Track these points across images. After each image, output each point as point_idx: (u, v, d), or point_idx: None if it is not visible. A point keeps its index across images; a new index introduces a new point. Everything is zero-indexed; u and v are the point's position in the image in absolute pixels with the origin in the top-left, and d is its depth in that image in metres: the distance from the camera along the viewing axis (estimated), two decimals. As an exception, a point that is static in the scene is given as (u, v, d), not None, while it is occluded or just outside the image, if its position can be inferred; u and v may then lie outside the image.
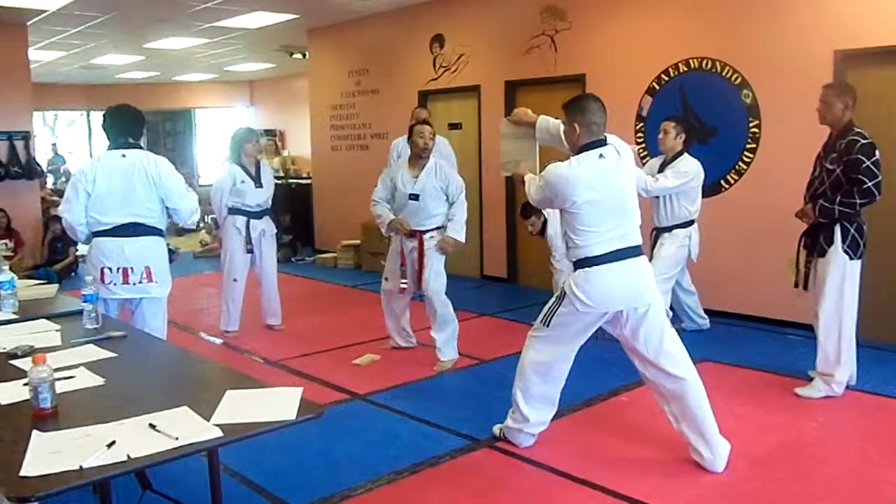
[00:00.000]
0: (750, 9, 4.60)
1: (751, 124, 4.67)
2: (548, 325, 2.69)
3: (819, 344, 3.35)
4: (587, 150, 2.55)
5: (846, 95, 3.25)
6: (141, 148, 3.18)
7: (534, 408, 2.80)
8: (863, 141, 3.14)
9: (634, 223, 2.61)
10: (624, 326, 2.62)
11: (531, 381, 2.77)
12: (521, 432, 2.86)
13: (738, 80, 4.69)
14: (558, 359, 2.73)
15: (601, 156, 2.55)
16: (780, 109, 4.49)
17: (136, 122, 3.18)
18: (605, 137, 2.59)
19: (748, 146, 4.70)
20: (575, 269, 2.60)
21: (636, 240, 2.61)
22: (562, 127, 2.75)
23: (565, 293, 2.61)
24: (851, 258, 3.23)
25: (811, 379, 3.44)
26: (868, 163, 3.11)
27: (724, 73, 4.75)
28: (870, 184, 3.11)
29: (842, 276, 3.24)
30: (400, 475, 2.67)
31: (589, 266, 2.55)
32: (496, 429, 2.98)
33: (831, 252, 3.25)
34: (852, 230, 3.22)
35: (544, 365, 2.74)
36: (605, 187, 2.52)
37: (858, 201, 3.14)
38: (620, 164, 2.58)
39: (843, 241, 3.23)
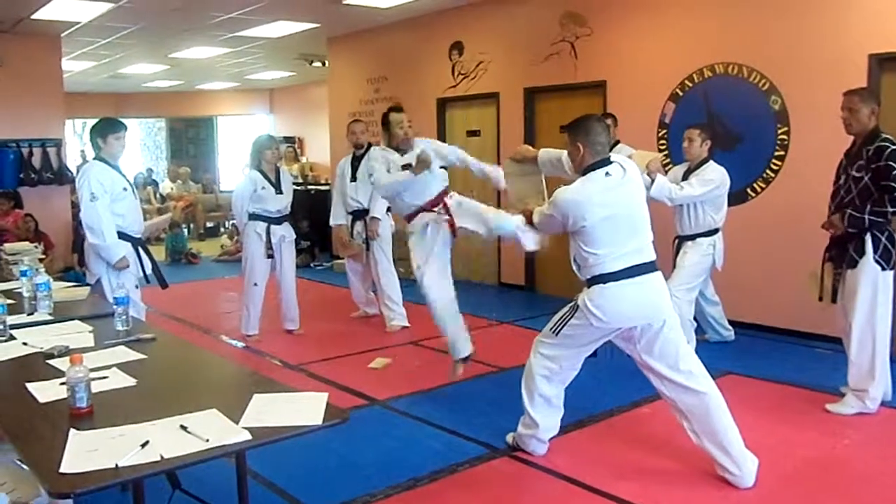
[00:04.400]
0: (778, 11, 4.52)
1: (779, 131, 4.60)
2: (557, 335, 2.71)
3: (851, 358, 3.27)
4: (592, 170, 2.57)
5: (871, 100, 3.19)
6: (98, 157, 3.64)
7: (540, 412, 2.82)
8: (892, 147, 3.07)
9: (647, 238, 2.61)
10: (638, 342, 2.62)
11: (537, 385, 2.79)
12: (533, 438, 2.87)
13: (766, 85, 4.63)
14: (565, 366, 2.76)
15: (607, 174, 2.55)
16: (810, 116, 4.40)
17: (90, 134, 3.70)
18: (609, 157, 2.62)
19: (776, 153, 4.63)
20: (589, 286, 2.60)
21: (650, 255, 2.60)
22: (563, 154, 2.79)
23: (576, 307, 2.63)
24: (884, 269, 3.15)
25: (842, 394, 3.36)
26: None
27: (750, 79, 4.70)
28: None
29: (874, 287, 3.17)
30: (419, 482, 2.68)
31: (604, 282, 2.55)
32: (509, 437, 2.99)
33: (863, 263, 3.17)
34: (883, 239, 3.14)
35: (551, 371, 2.77)
36: (615, 204, 2.53)
37: (890, 210, 3.06)
38: (627, 178, 2.58)
39: (875, 252, 3.15)
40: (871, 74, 4.12)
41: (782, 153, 4.62)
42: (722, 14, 4.83)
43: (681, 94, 5.08)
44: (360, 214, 5.06)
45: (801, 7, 4.45)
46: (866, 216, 3.10)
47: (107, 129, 3.61)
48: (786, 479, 2.67)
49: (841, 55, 4.25)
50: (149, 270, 3.73)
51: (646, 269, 2.57)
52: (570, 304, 2.69)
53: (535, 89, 6.06)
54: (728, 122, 4.82)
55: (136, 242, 3.66)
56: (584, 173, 2.59)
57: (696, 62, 4.96)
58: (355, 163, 5.08)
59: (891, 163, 3.04)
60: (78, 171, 13.79)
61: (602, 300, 2.55)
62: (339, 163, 5.27)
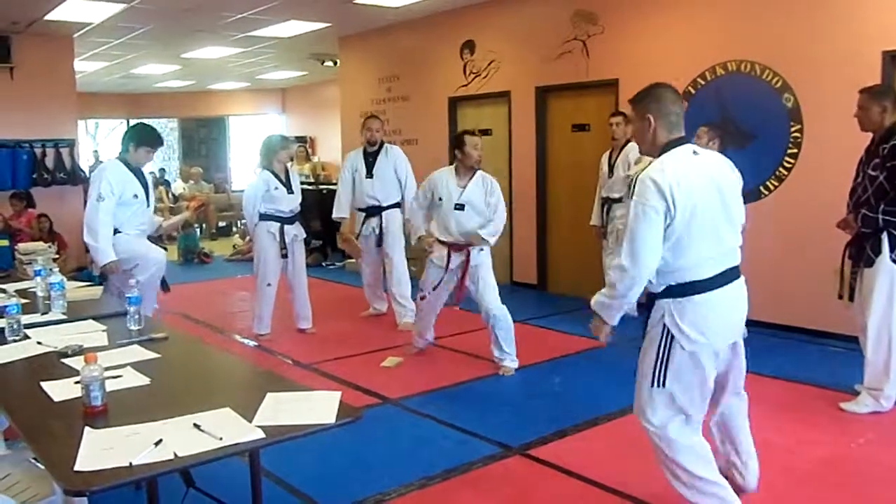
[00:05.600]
0: (791, 9, 4.48)
1: (792, 129, 4.56)
2: (664, 385, 2.08)
3: (867, 357, 3.24)
4: (672, 148, 2.08)
5: (884, 98, 3.15)
6: (120, 157, 3.68)
7: (710, 474, 2.16)
8: None
9: (738, 238, 2.16)
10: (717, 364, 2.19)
11: (685, 465, 2.13)
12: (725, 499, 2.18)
13: (779, 83, 4.58)
14: (697, 413, 2.13)
15: (695, 152, 2.08)
16: (824, 113, 4.36)
17: (125, 132, 3.76)
18: (686, 138, 2.15)
19: (789, 151, 4.58)
20: (666, 297, 2.07)
21: (738, 258, 2.17)
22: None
23: (668, 337, 2.06)
24: None
25: (856, 393, 3.33)
26: None
27: (763, 77, 4.66)
28: None
29: (890, 286, 3.12)
30: (432, 481, 2.67)
31: (692, 293, 2.04)
32: None
33: (879, 262, 3.13)
34: None
35: (689, 438, 2.13)
36: (708, 190, 2.02)
37: None
38: (720, 164, 2.13)
39: (892, 250, 3.10)
40: (884, 71, 4.08)
41: (795, 151, 4.57)
42: (734, 11, 4.78)
43: (693, 92, 5.03)
44: (374, 211, 5.06)
45: (812, 3, 4.40)
46: (880, 216, 3.06)
47: (142, 140, 3.60)
48: (800, 478, 2.64)
49: (853, 52, 4.20)
50: None
51: (736, 273, 2.14)
52: (651, 347, 2.09)
53: (546, 88, 6.03)
54: (741, 120, 4.77)
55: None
56: (661, 153, 2.10)
57: (708, 60, 4.92)
58: (370, 159, 5.09)
59: None
60: (94, 168, 13.81)
61: (695, 315, 2.04)
62: (349, 156, 5.23)
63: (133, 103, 12.53)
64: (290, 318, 5.00)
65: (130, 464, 1.44)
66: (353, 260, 7.89)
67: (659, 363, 2.08)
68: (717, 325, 2.08)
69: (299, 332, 4.96)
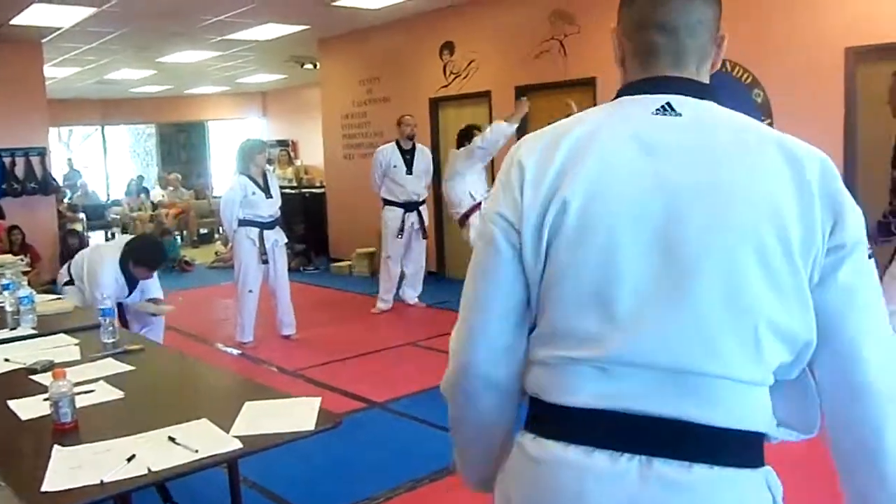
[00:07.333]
0: (759, 6, 4.57)
1: (763, 123, 4.65)
2: None
3: None
4: (629, 94, 1.00)
5: None
6: (121, 261, 3.39)
7: None
8: None
9: (720, 335, 0.86)
10: None
11: None
12: None
13: (749, 79, 4.66)
14: None
15: (666, 108, 0.95)
16: (791, 108, 4.46)
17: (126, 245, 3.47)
18: (679, 78, 0.99)
19: (762, 146, 4.69)
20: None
21: (735, 404, 0.88)
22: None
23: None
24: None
25: None
26: None
27: (734, 73, 4.72)
28: None
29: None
30: (419, 483, 2.65)
31: (536, 429, 0.93)
32: None
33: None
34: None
35: None
36: (630, 190, 0.88)
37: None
38: (722, 145, 0.94)
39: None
40: (847, 67, 4.17)
41: (766, 145, 4.67)
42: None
43: (670, 87, 5.08)
44: (413, 206, 5.39)
45: (780, 2, 4.48)
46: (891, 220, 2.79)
47: (139, 260, 3.33)
48: (793, 460, 2.63)
49: (818, 48, 4.30)
50: None
51: (705, 448, 0.88)
52: None
53: (526, 87, 6.02)
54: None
55: None
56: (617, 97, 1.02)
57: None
58: (407, 156, 5.35)
59: None
60: (69, 176, 13.18)
61: (529, 488, 0.92)
62: (381, 152, 5.44)
63: (108, 109, 12.26)
64: (274, 325, 4.93)
65: (101, 481, 1.39)
66: (339, 263, 7.84)
67: None
68: None
69: (283, 339, 4.90)
